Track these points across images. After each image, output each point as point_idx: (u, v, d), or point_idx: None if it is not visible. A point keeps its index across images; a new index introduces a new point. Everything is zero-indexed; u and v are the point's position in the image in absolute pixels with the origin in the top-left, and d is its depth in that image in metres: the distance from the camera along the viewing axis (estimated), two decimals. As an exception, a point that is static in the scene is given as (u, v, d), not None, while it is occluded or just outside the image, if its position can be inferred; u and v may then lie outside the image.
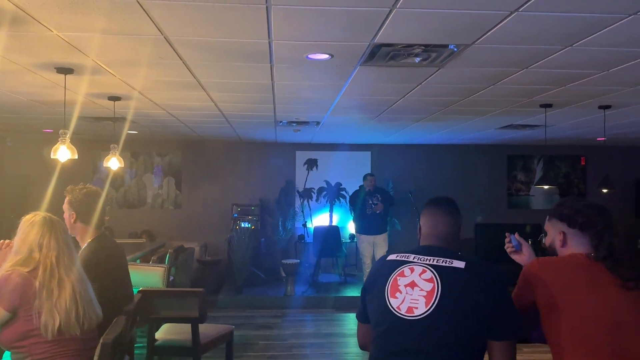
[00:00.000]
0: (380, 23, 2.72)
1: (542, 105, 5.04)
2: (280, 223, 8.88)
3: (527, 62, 3.47)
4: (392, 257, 2.02)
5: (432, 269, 1.88)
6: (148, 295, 2.83)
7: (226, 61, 3.53)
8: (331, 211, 9.21)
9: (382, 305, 1.91)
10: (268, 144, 9.05)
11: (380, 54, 3.34)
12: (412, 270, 1.91)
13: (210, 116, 5.99)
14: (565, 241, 1.96)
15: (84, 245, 2.62)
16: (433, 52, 3.31)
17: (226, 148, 9.04)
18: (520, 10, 2.50)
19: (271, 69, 3.71)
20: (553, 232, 2.02)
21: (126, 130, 6.18)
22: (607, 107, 5.07)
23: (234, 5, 2.49)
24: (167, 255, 4.80)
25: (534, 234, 8.27)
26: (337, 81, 4.16)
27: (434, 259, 1.91)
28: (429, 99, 4.93)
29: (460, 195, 9.05)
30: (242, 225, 8.62)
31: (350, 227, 8.84)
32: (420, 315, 1.82)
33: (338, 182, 9.27)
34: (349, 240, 8.88)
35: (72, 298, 1.98)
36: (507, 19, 2.63)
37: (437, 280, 1.85)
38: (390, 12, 2.55)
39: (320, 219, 9.18)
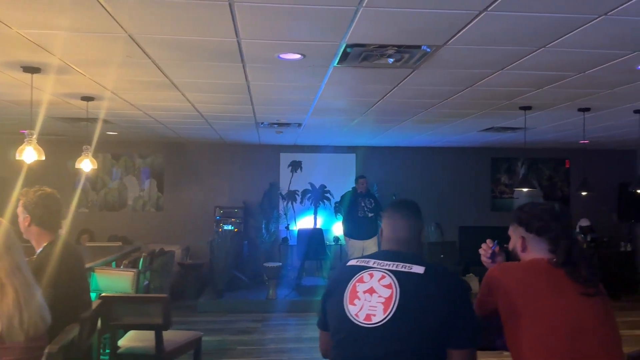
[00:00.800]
0: (349, 22, 2.67)
1: (521, 108, 5.02)
2: (263, 226, 8.79)
3: (501, 63, 3.43)
4: (352, 262, 1.96)
5: (391, 275, 1.82)
6: (109, 301, 2.74)
7: (197, 60, 3.45)
8: (315, 214, 9.14)
9: (340, 312, 1.85)
10: (252, 146, 8.97)
11: (353, 54, 3.29)
12: (371, 276, 1.86)
13: (188, 117, 5.90)
14: (525, 246, 1.92)
15: (39, 250, 2.53)
16: (406, 53, 3.26)
17: (209, 150, 8.95)
18: (489, 9, 2.45)
19: (244, 68, 3.64)
20: (514, 237, 1.98)
21: (98, 131, 6.06)
22: (587, 109, 5.05)
23: (196, 2, 2.42)
24: (141, 259, 4.69)
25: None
26: (312, 82, 4.10)
27: (393, 264, 1.86)
28: (408, 101, 4.88)
29: (444, 198, 9.06)
30: (225, 227, 8.53)
31: (335, 230, 8.78)
32: (378, 322, 1.76)
33: (322, 185, 9.21)
34: (333, 243, 8.81)
35: (15, 303, 1.89)
36: (477, 19, 2.58)
37: (395, 286, 1.79)
38: (356, 11, 2.50)
39: (305, 222, 9.11)
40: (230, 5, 2.43)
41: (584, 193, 5.91)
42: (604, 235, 8.69)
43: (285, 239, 8.86)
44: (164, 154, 8.88)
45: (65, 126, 6.56)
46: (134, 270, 3.74)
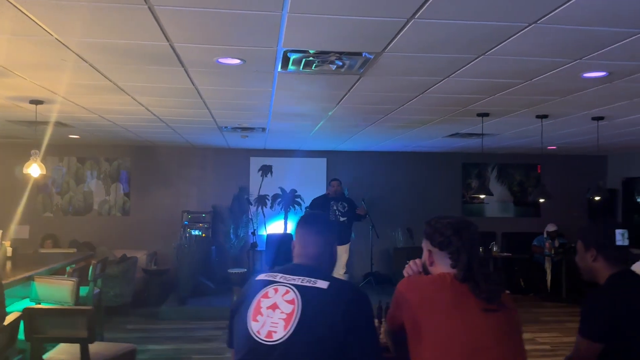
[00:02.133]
0: (278, 28, 2.60)
1: (479, 115, 5.00)
2: (232, 231, 8.69)
3: (445, 70, 3.39)
4: (261, 276, 1.90)
5: (295, 290, 1.76)
6: (32, 313, 2.64)
7: (135, 64, 3.36)
8: (286, 218, 9.04)
9: (244, 329, 1.78)
10: (221, 150, 8.87)
11: (294, 60, 3.23)
12: (276, 291, 1.79)
13: (147, 121, 5.80)
14: (432, 260, 1.88)
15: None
16: (347, 60, 3.21)
17: (177, 154, 8.83)
18: (416, 17, 2.41)
19: (187, 72, 3.56)
20: (424, 251, 1.93)
21: (49, 135, 5.93)
22: (545, 116, 5.05)
23: (114, 6, 2.34)
24: (90, 267, 4.57)
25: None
26: (262, 87, 4.03)
27: (299, 279, 1.80)
28: (364, 107, 4.84)
29: (415, 203, 9.03)
30: (193, 232, 8.41)
31: (305, 235, 8.68)
32: (278, 340, 1.70)
33: (293, 189, 9.12)
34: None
35: None
36: (407, 27, 2.53)
37: (298, 301, 1.73)
38: (282, 16, 2.43)
39: (275, 227, 9.02)
40: (150, 9, 2.35)
41: (541, 200, 5.89)
42: (573, 240, 8.72)
43: (254, 244, 8.76)
44: (131, 158, 8.74)
45: (24, 129, 6.41)
46: (74, 279, 3.62)
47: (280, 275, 1.84)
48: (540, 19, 2.40)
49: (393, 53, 3.00)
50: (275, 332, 1.71)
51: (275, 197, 9.11)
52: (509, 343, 1.72)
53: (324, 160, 9.15)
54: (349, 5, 2.29)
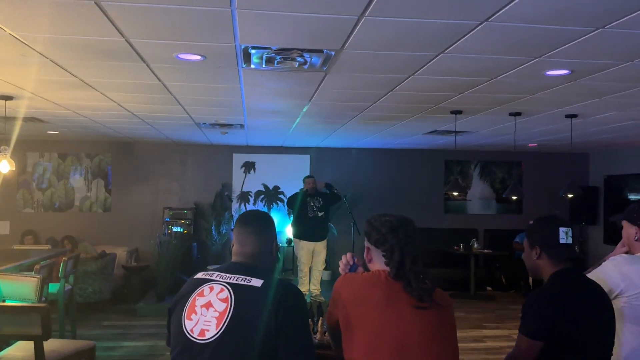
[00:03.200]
0: (231, 24, 2.59)
1: (452, 112, 5.00)
2: (213, 227, 8.67)
3: (408, 68, 3.39)
4: (199, 275, 1.89)
5: (229, 288, 1.76)
6: (-16, 311, 2.62)
7: (96, 60, 3.34)
8: (268, 215, 9.02)
9: (178, 328, 1.78)
10: (203, 146, 8.84)
11: (255, 56, 3.21)
12: (211, 289, 1.79)
13: (122, 117, 5.76)
14: (370, 257, 1.88)
15: None
16: (309, 57, 3.19)
17: (159, 150, 8.79)
18: (366, 15, 2.40)
19: (149, 68, 3.53)
20: (365, 247, 1.93)
21: (17, 130, 5.89)
22: (518, 114, 5.06)
23: (62, 1, 2.31)
24: (61, 264, 4.55)
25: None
26: (229, 83, 4.01)
27: (234, 277, 1.79)
28: (337, 104, 4.83)
29: (397, 200, 9.04)
30: (174, 229, 8.39)
31: (288, 232, 8.68)
32: (210, 338, 1.70)
33: (276, 186, 9.12)
34: (285, 245, 8.72)
35: None
36: (359, 25, 2.53)
37: (231, 299, 1.73)
38: (232, 12, 2.42)
39: (257, 223, 8.99)
40: (97, 4, 2.33)
41: (514, 197, 5.91)
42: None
43: (236, 241, 8.73)
44: (112, 154, 8.69)
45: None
46: (37, 276, 3.60)
47: (217, 273, 1.83)
48: (490, 17, 2.40)
49: (352, 50, 2.99)
50: (207, 330, 1.71)
51: (258, 193, 9.10)
52: (439, 340, 1.72)
53: (307, 157, 9.14)
54: (297, 2, 2.28)
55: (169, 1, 2.30)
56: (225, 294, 1.75)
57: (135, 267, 7.77)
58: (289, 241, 8.60)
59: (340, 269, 2.08)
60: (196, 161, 8.92)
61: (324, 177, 9.01)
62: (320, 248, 7.31)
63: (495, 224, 9.36)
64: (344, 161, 9.13)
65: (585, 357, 1.95)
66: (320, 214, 7.29)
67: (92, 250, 7.97)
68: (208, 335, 1.70)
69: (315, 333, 2.75)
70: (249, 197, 9.04)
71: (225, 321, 1.69)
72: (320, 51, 3.09)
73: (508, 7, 2.26)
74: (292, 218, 7.79)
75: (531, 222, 2.19)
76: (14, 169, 4.67)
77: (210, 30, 2.72)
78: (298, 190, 7.59)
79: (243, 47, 3.02)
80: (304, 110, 5.15)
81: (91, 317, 6.56)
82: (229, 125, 6.47)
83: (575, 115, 5.09)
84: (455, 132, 5.79)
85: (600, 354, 1.98)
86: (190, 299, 1.79)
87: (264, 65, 3.39)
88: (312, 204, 7.27)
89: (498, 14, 2.35)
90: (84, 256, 7.05)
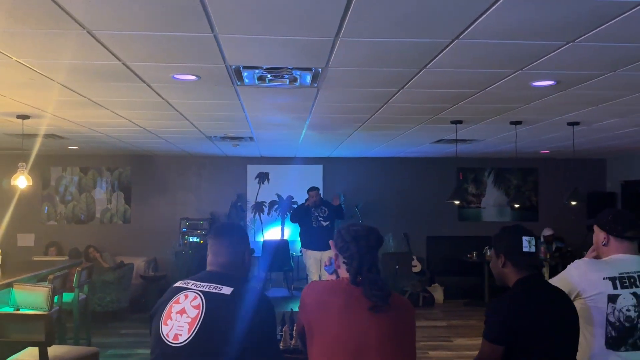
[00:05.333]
0: (217, 47, 2.74)
1: (452, 122, 5.07)
2: (229, 237, 8.84)
3: (395, 83, 3.49)
4: (178, 283, 2.03)
5: (201, 295, 1.89)
6: (-7, 318, 2.82)
7: (99, 81, 3.54)
8: (283, 225, 9.20)
9: (157, 333, 1.92)
10: (218, 158, 9.06)
11: (247, 75, 3.36)
12: (186, 297, 1.93)
13: (136, 132, 6.00)
14: (338, 264, 1.99)
15: None
16: (298, 74, 3.33)
17: (176, 162, 9.05)
18: (341, 37, 2.52)
19: (151, 88, 3.72)
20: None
21: (37, 147, 6.18)
22: (518, 122, 5.09)
23: (57, 32, 2.50)
24: (75, 274, 4.78)
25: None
26: (229, 100, 4.17)
27: (207, 285, 1.93)
28: (338, 117, 4.95)
29: (410, 208, 9.09)
30: (191, 239, 8.61)
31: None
32: (182, 342, 1.83)
33: (290, 196, 9.27)
34: (300, 254, 8.85)
35: None
36: (337, 45, 2.65)
37: (202, 306, 1.86)
38: (215, 37, 2.57)
39: (272, 233, 9.17)
40: (89, 33, 2.51)
41: (517, 205, 5.92)
42: (570, 244, 8.67)
43: (251, 250, 8.90)
44: (132, 167, 8.99)
45: (19, 141, 6.67)
46: (48, 286, 3.81)
47: (192, 282, 1.97)
48: (460, 35, 2.49)
49: (336, 67, 3.11)
50: (180, 335, 1.84)
51: (272, 203, 9.27)
52: (393, 343, 1.82)
53: (320, 167, 9.27)
54: (274, 27, 2.42)
55: (153, 29, 2.47)
56: (198, 301, 1.88)
57: (152, 277, 8.00)
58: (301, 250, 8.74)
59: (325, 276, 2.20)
60: (212, 173, 9.15)
61: (337, 186, 9.14)
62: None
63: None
64: (357, 171, 9.23)
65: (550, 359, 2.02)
66: (325, 224, 7.38)
67: (112, 260, 8.26)
68: (181, 339, 1.83)
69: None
70: (264, 207, 9.21)
71: (197, 326, 1.82)
72: (309, 69, 3.22)
73: (474, 25, 2.35)
74: (299, 230, 7.90)
75: (497, 232, 2.27)
76: (31, 184, 4.92)
77: (199, 53, 2.88)
78: (301, 203, 7.66)
79: (234, 67, 3.18)
80: (307, 122, 5.29)
81: (109, 325, 6.79)
82: (239, 138, 6.66)
83: (577, 123, 5.09)
84: (456, 141, 5.86)
85: (563, 357, 2.05)
86: (168, 306, 1.93)
87: (257, 83, 3.54)
88: (316, 214, 7.36)
89: (467, 31, 2.44)
90: (106, 266, 7.34)
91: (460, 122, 5.04)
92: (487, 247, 8.43)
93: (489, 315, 2.08)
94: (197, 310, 1.85)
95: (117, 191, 8.97)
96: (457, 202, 5.86)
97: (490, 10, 2.17)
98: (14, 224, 8.55)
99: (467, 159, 9.15)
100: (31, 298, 3.86)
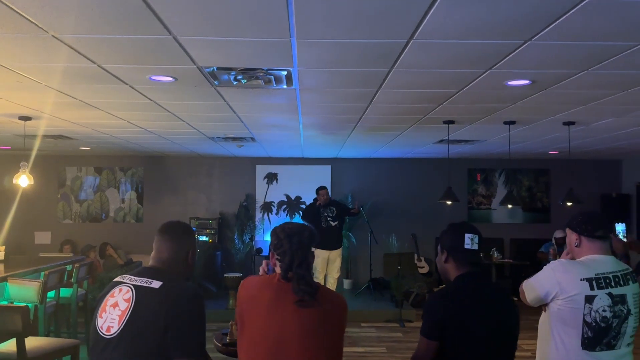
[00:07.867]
0: (181, 49, 2.81)
1: (444, 122, 5.04)
2: (237, 236, 8.98)
3: (370, 83, 3.51)
4: (116, 278, 2.11)
5: (133, 289, 1.96)
6: (-28, 310, 2.96)
7: (84, 83, 3.66)
8: (291, 225, 9.24)
9: (93, 325, 2.00)
10: (228, 159, 9.20)
11: (221, 76, 3.43)
12: (120, 290, 2.01)
13: (137, 132, 6.15)
14: (274, 261, 2.04)
15: None
16: (272, 75, 3.38)
17: (187, 162, 9.23)
18: (297, 38, 2.56)
19: (134, 89, 3.82)
20: None
21: (37, 147, 6.39)
22: (512, 122, 5.03)
23: (25, 36, 2.62)
24: (74, 270, 4.94)
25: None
26: (214, 100, 4.24)
27: (140, 280, 2.00)
28: (328, 117, 4.98)
29: (421, 209, 9.03)
30: (200, 238, 8.76)
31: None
32: (113, 334, 1.91)
33: (298, 196, 9.34)
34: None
35: None
36: (297, 47, 2.69)
37: (132, 299, 1.93)
38: (176, 39, 2.64)
39: (281, 233, 9.23)
40: (54, 37, 2.61)
41: (509, 205, 5.84)
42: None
43: (259, 250, 9.02)
44: (144, 167, 9.21)
45: (29, 141, 6.93)
46: (39, 281, 3.97)
47: (128, 277, 2.05)
48: (413, 35, 2.50)
49: (305, 68, 3.15)
50: (112, 327, 1.92)
51: (280, 203, 9.35)
52: (314, 337, 1.85)
53: (328, 167, 9.31)
54: (230, 29, 2.48)
55: (115, 32, 2.56)
56: (129, 294, 1.96)
57: (160, 275, 8.15)
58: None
59: (260, 274, 2.24)
60: (222, 173, 9.29)
61: (345, 187, 9.17)
62: (335, 256, 7.45)
63: (522, 233, 9.16)
64: (365, 171, 9.23)
65: (480, 358, 2.02)
66: (333, 224, 7.42)
67: (125, 257, 8.48)
68: (112, 331, 1.91)
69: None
70: (272, 207, 9.30)
71: (125, 319, 1.90)
72: (282, 70, 3.27)
73: (423, 25, 2.36)
74: None
75: (444, 229, 2.29)
76: (32, 183, 5.11)
77: (167, 55, 2.96)
78: (312, 201, 7.73)
79: (208, 69, 3.25)
80: (300, 124, 5.34)
81: (115, 321, 6.96)
82: (241, 139, 6.75)
83: (572, 123, 5.00)
84: (448, 141, 5.82)
85: (497, 356, 2.05)
86: (104, 300, 2.02)
87: (234, 83, 3.61)
88: (325, 214, 7.40)
89: (418, 31, 2.45)
90: (121, 262, 7.55)
91: (452, 122, 5.02)
92: (494, 248, 8.33)
93: (425, 309, 2.10)
94: (127, 304, 1.93)
95: (130, 191, 9.19)
96: (449, 202, 5.78)
97: (432, 10, 2.18)
98: (32, 222, 8.89)
99: (478, 160, 9.05)
100: (23, 292, 4.03)
